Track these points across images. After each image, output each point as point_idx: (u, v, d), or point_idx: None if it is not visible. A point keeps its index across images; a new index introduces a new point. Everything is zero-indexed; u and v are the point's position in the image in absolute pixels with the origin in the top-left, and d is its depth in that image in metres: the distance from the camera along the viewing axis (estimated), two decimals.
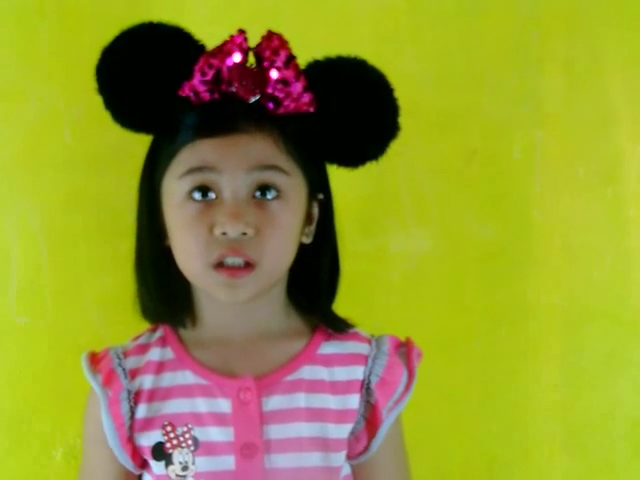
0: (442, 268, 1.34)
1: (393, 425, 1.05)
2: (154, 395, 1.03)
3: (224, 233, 0.97)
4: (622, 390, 1.37)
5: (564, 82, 1.34)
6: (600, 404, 1.37)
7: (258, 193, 0.98)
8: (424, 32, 1.32)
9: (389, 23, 1.32)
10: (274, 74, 0.97)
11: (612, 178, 1.35)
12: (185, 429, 1.01)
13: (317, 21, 1.30)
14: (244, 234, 0.96)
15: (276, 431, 1.01)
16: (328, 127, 1.00)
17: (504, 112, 1.34)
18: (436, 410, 1.32)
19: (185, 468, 1.00)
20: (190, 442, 1.00)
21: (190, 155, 0.98)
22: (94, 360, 1.06)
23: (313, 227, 1.06)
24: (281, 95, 0.98)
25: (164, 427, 1.01)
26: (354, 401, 1.03)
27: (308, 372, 1.03)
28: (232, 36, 0.98)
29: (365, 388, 1.04)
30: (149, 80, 0.98)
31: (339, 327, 1.07)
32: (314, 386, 1.03)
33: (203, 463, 1.00)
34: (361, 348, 1.06)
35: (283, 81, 0.97)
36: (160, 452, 1.01)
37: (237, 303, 1.01)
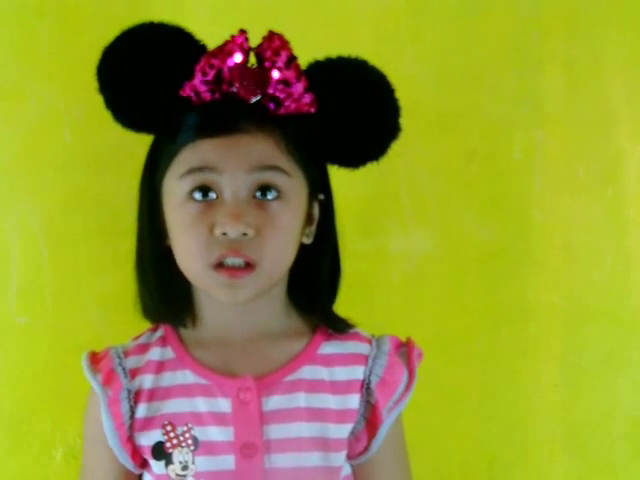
0: (442, 268, 1.34)
1: (393, 425, 1.05)
2: (154, 395, 1.03)
3: (224, 233, 0.97)
4: (622, 390, 1.37)
5: (564, 82, 1.34)
6: (600, 404, 1.37)
7: (259, 193, 0.98)
8: (424, 32, 1.32)
9: (389, 23, 1.32)
10: (275, 74, 0.97)
11: (612, 178, 1.35)
12: (185, 429, 1.01)
13: (317, 21, 1.30)
14: (244, 234, 0.96)
15: (276, 431, 1.01)
16: (329, 128, 1.00)
17: (504, 112, 1.34)
18: (436, 410, 1.32)
19: (185, 467, 1.00)
20: (190, 442, 1.00)
21: (191, 155, 0.98)
22: (94, 360, 1.06)
23: (314, 227, 1.06)
24: (282, 95, 0.98)
25: (164, 427, 1.01)
26: (354, 401, 1.03)
27: (308, 372, 1.03)
28: (233, 36, 0.98)
29: (365, 388, 1.04)
30: (150, 80, 0.98)
31: (339, 327, 1.07)
32: (314, 386, 1.03)
33: (203, 463, 1.00)
34: (361, 348, 1.06)
35: (284, 81, 0.97)
36: (160, 451, 1.01)
37: (237, 303, 1.01)
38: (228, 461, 1.00)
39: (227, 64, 0.97)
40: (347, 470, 1.06)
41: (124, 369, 1.04)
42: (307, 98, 0.98)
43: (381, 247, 1.33)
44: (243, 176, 0.97)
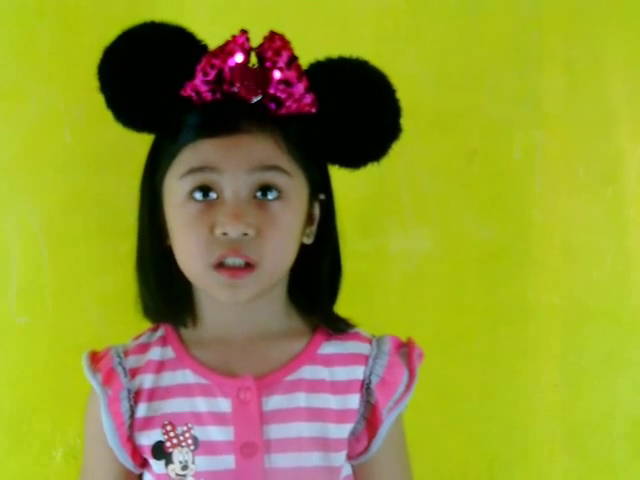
0: (442, 268, 1.34)
1: (394, 425, 1.05)
2: (154, 394, 1.03)
3: (225, 233, 0.97)
4: (622, 390, 1.37)
5: (564, 82, 1.34)
6: (600, 404, 1.37)
7: (259, 193, 0.98)
8: (424, 32, 1.32)
9: (389, 23, 1.32)
10: (276, 74, 0.97)
11: (612, 178, 1.35)
12: (185, 428, 1.01)
13: (318, 21, 1.30)
14: (245, 234, 0.96)
15: (276, 431, 1.01)
16: (330, 128, 1.00)
17: (504, 112, 1.34)
18: (436, 410, 1.32)
19: (185, 467, 1.00)
20: (190, 441, 1.00)
21: (191, 155, 0.98)
22: (94, 359, 1.06)
23: (314, 227, 1.06)
24: (283, 96, 0.98)
25: (164, 426, 1.01)
26: (354, 401, 1.03)
27: (308, 372, 1.03)
28: (234, 36, 0.98)
29: (365, 388, 1.04)
30: (151, 80, 0.98)
31: (340, 327, 1.07)
32: (314, 386, 1.03)
33: (203, 462, 1.00)
34: (362, 348, 1.06)
35: (285, 82, 0.97)
36: (160, 451, 1.01)
37: (238, 303, 1.01)
38: (228, 461, 1.00)
39: (228, 64, 0.97)
40: (347, 470, 1.06)
41: (124, 368, 1.04)
42: (308, 98, 0.98)
43: (381, 247, 1.34)
44: (244, 176, 0.97)
